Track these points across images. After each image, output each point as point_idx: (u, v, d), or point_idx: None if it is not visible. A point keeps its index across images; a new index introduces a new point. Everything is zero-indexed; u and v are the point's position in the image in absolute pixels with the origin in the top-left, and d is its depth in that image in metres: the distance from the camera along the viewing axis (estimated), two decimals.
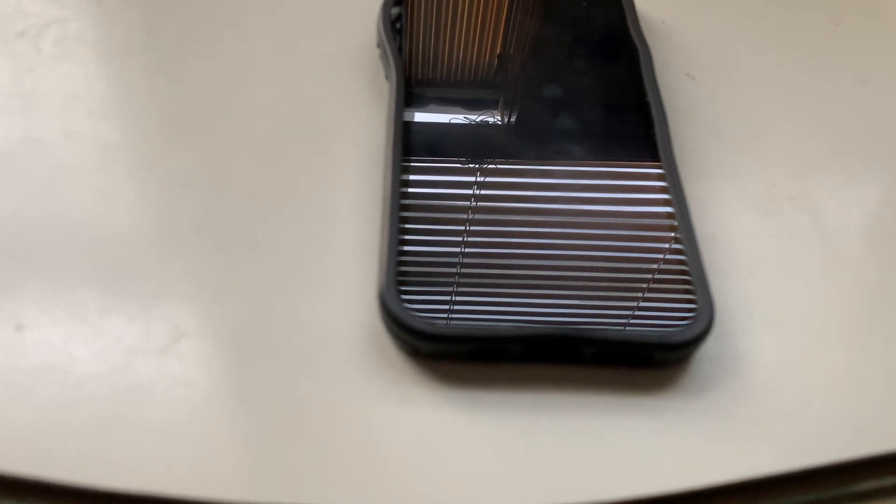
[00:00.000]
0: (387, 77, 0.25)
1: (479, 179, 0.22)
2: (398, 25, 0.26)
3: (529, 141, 0.23)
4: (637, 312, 0.19)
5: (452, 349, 0.19)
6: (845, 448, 0.19)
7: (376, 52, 0.26)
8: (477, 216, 0.21)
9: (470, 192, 0.22)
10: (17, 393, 0.19)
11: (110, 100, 0.25)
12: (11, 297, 0.20)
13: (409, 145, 0.22)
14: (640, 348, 0.19)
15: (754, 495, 0.18)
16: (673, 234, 0.21)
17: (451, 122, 0.23)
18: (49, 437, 0.18)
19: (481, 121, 0.23)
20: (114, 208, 0.22)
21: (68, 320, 0.20)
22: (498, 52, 0.26)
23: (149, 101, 0.25)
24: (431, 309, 0.19)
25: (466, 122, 0.23)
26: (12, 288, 0.20)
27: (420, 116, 0.23)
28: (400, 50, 0.25)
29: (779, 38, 0.28)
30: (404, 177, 0.22)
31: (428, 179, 0.22)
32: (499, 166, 0.22)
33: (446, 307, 0.19)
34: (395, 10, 0.26)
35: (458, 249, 0.20)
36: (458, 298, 0.20)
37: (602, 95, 0.24)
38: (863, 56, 0.27)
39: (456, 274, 0.20)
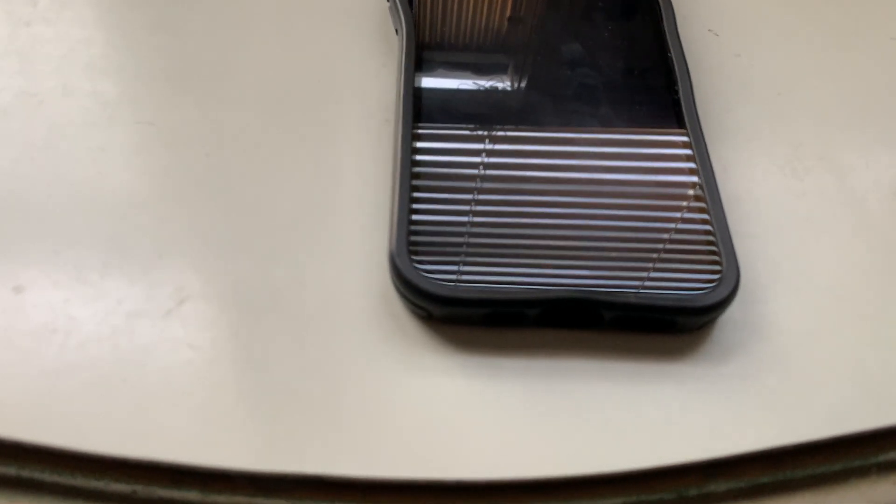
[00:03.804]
0: (397, 31, 0.24)
1: (491, 146, 0.21)
2: None
3: (545, 101, 0.22)
4: (659, 276, 0.19)
5: (467, 313, 0.19)
6: (873, 417, 0.18)
7: (385, 4, 0.25)
8: (491, 179, 0.20)
9: (484, 153, 0.21)
10: (17, 356, 0.18)
11: (109, 54, 0.24)
12: (10, 257, 0.20)
13: (421, 107, 0.22)
14: (662, 312, 0.18)
15: (779, 464, 0.18)
16: (696, 196, 0.20)
17: (464, 81, 0.22)
18: (50, 402, 0.18)
19: (493, 82, 0.22)
20: (114, 166, 0.21)
21: (69, 281, 0.19)
22: (511, 8, 0.25)
23: (149, 55, 0.24)
24: (444, 272, 0.19)
25: (479, 83, 0.23)
26: (10, 248, 0.20)
27: (431, 77, 0.22)
28: (410, 4, 0.24)
29: None
30: (416, 139, 0.21)
31: (440, 146, 0.21)
32: (515, 128, 0.22)
33: (460, 270, 0.19)
34: None
35: (471, 213, 0.20)
36: (472, 261, 0.19)
37: (623, 53, 0.23)
38: (893, 11, 0.26)
39: (470, 236, 0.19)
